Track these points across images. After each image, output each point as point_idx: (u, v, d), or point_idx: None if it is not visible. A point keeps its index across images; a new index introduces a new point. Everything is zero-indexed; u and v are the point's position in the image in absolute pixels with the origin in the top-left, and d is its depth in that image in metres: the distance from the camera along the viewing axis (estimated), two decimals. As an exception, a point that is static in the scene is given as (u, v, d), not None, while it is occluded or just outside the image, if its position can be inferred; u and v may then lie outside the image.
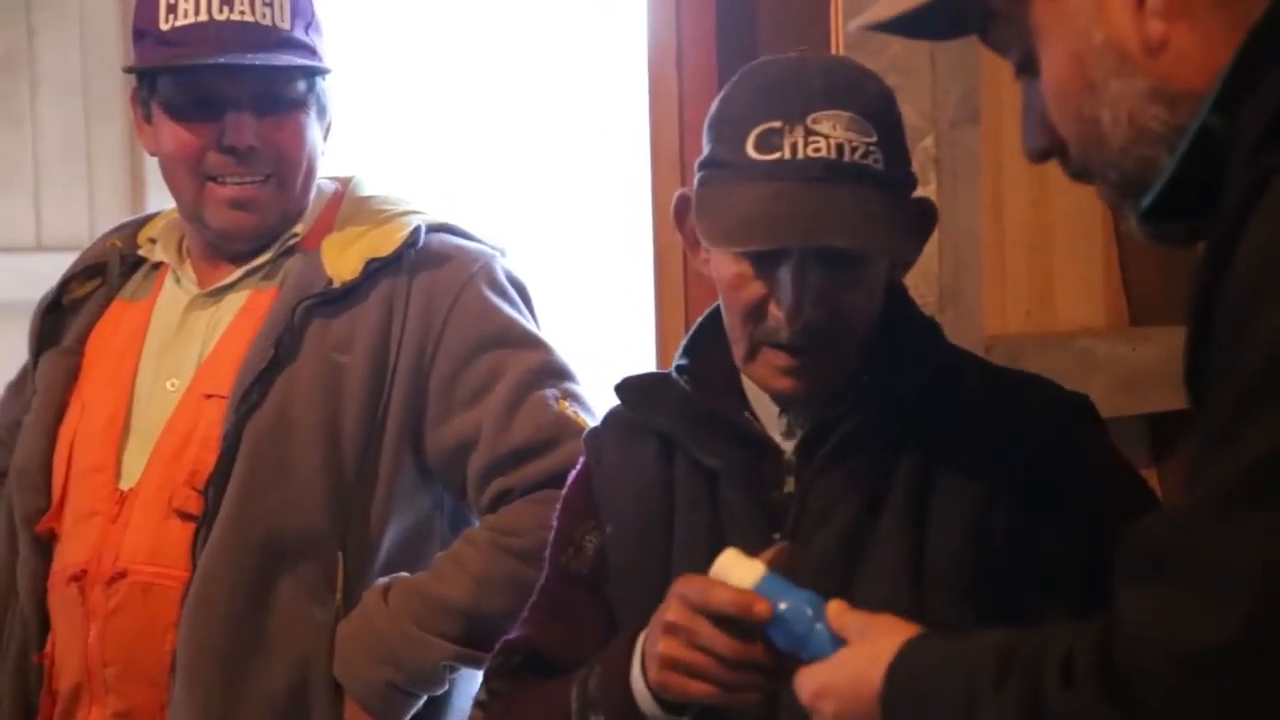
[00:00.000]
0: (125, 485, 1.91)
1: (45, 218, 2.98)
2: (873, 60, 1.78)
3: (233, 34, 1.88)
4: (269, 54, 1.88)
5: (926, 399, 1.50)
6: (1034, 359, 2.04)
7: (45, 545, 1.94)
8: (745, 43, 2.32)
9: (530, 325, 1.96)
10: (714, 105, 1.51)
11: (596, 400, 1.90)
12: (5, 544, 1.98)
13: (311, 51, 1.93)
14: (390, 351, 1.90)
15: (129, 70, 1.99)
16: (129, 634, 1.88)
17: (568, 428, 1.87)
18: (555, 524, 1.64)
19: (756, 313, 1.47)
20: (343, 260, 1.91)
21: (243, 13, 1.89)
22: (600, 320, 2.84)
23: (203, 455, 1.88)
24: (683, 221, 1.54)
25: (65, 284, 2.06)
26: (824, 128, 1.44)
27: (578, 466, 1.64)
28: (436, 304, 1.91)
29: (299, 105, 1.92)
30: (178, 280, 1.99)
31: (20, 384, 2.08)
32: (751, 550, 1.35)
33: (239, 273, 1.96)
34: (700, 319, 1.60)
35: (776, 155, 1.44)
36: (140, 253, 2.03)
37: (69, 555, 1.91)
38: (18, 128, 2.97)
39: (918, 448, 1.49)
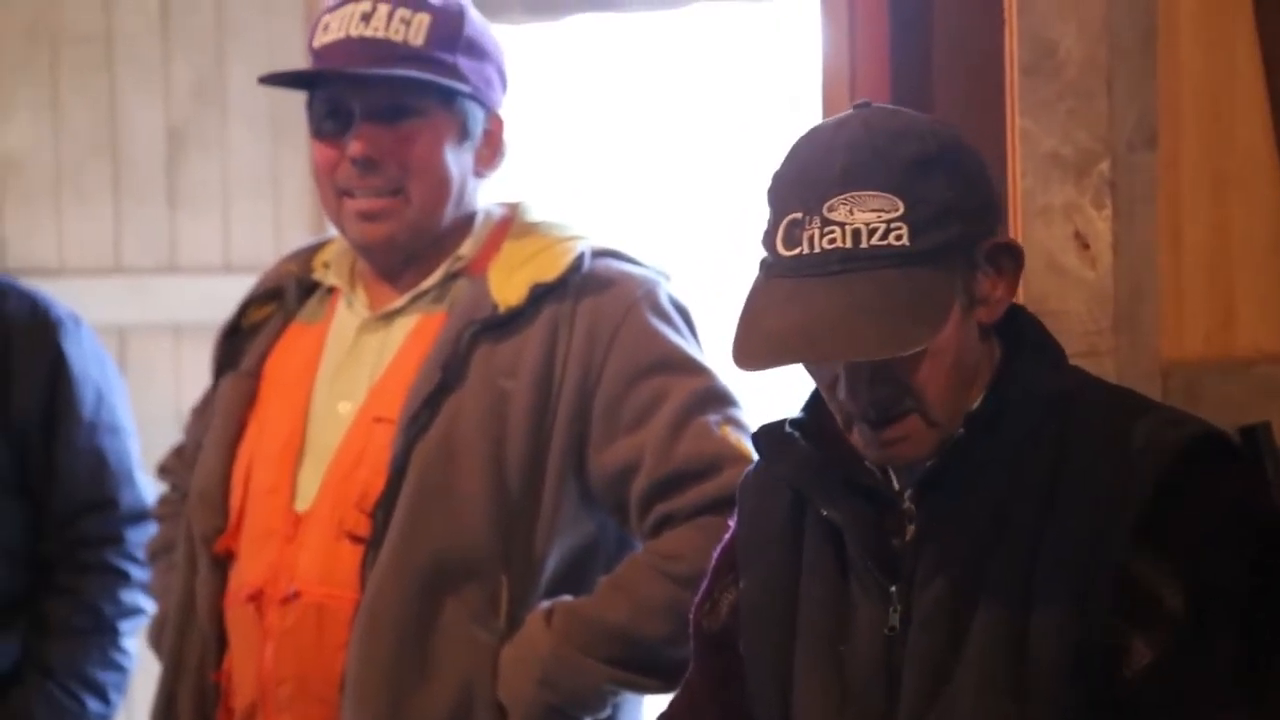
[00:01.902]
0: (300, 507, 1.95)
1: (233, 241, 3.07)
2: (1048, 85, 1.76)
3: (361, 49, 1.92)
4: (389, 67, 1.91)
5: (1040, 435, 1.45)
6: (1212, 386, 1.98)
7: (223, 564, 2.00)
8: (920, 69, 2.30)
9: (694, 351, 1.96)
10: (769, 181, 1.49)
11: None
12: (185, 563, 2.04)
13: (447, 69, 1.94)
14: (555, 376, 1.91)
15: (262, 80, 2.04)
16: (302, 653, 1.92)
17: (730, 454, 1.88)
18: (704, 583, 1.64)
19: (829, 395, 1.45)
20: (509, 286, 1.93)
21: (376, 29, 1.93)
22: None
23: (372, 479, 1.92)
24: None
25: (244, 308, 2.11)
26: (839, 215, 1.39)
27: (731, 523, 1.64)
28: (601, 329, 1.92)
29: (423, 117, 1.94)
30: (350, 304, 2.03)
31: (203, 407, 2.13)
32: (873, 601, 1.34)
33: (407, 297, 1.99)
34: None
35: (797, 251, 1.40)
36: (315, 277, 2.07)
37: (246, 575, 1.96)
38: (208, 153, 3.06)
39: (1029, 489, 1.44)
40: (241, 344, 2.09)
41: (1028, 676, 1.39)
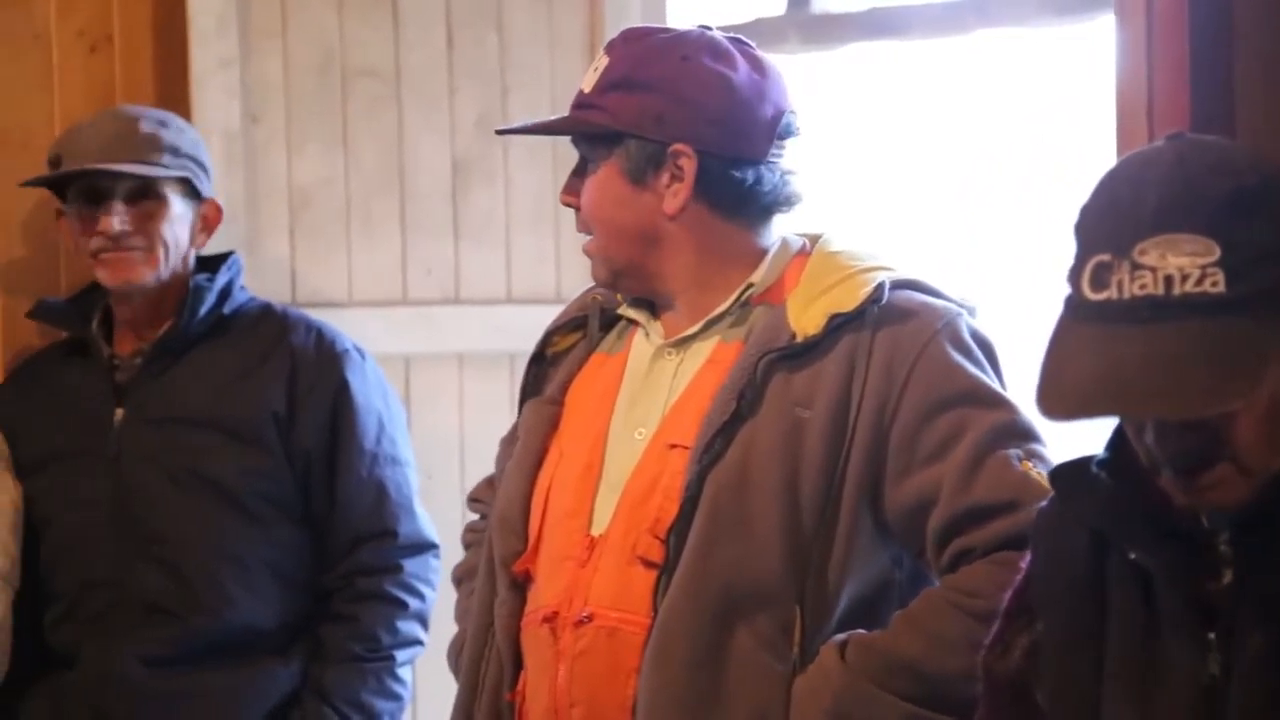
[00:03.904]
0: (596, 531, 1.97)
1: (515, 272, 3.11)
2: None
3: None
4: (562, 116, 2.04)
5: None
6: None
7: (521, 586, 2.02)
8: (1221, 90, 2.23)
9: (995, 385, 1.93)
10: (1077, 216, 1.44)
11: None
12: (485, 584, 2.07)
13: (599, 110, 1.98)
14: (851, 407, 1.90)
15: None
16: (594, 677, 1.93)
17: (1031, 490, 1.83)
18: (995, 625, 1.60)
19: (1137, 439, 1.40)
20: (807, 315, 1.92)
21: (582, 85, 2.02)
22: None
23: (665, 504, 1.93)
24: None
25: (549, 336, 2.14)
26: (1150, 259, 1.34)
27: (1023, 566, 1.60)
28: (899, 360, 1.90)
29: (595, 164, 1.99)
30: (647, 335, 2.05)
31: (511, 436, 2.17)
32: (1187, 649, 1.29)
33: (700, 323, 2.00)
34: None
35: (1105, 295, 1.36)
36: (618, 311, 2.09)
37: (542, 597, 1.99)
38: (492, 185, 3.11)
39: None
40: (545, 371, 2.12)
41: None
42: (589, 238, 2.03)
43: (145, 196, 2.66)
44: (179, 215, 2.69)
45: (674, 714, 1.89)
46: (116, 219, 2.63)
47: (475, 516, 2.29)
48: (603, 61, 2.00)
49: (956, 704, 1.81)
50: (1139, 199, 1.37)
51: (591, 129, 1.99)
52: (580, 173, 2.02)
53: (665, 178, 1.97)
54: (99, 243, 2.64)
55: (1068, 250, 1.45)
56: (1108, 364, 1.34)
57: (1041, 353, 1.41)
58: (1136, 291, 1.35)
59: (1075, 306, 1.39)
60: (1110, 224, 1.38)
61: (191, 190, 2.71)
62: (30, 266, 2.93)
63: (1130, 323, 1.34)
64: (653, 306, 2.05)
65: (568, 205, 2.04)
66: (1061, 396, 1.37)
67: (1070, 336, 1.39)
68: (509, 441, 2.17)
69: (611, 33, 2.90)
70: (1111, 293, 1.36)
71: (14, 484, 2.66)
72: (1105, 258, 1.37)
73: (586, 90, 2.00)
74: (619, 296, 2.08)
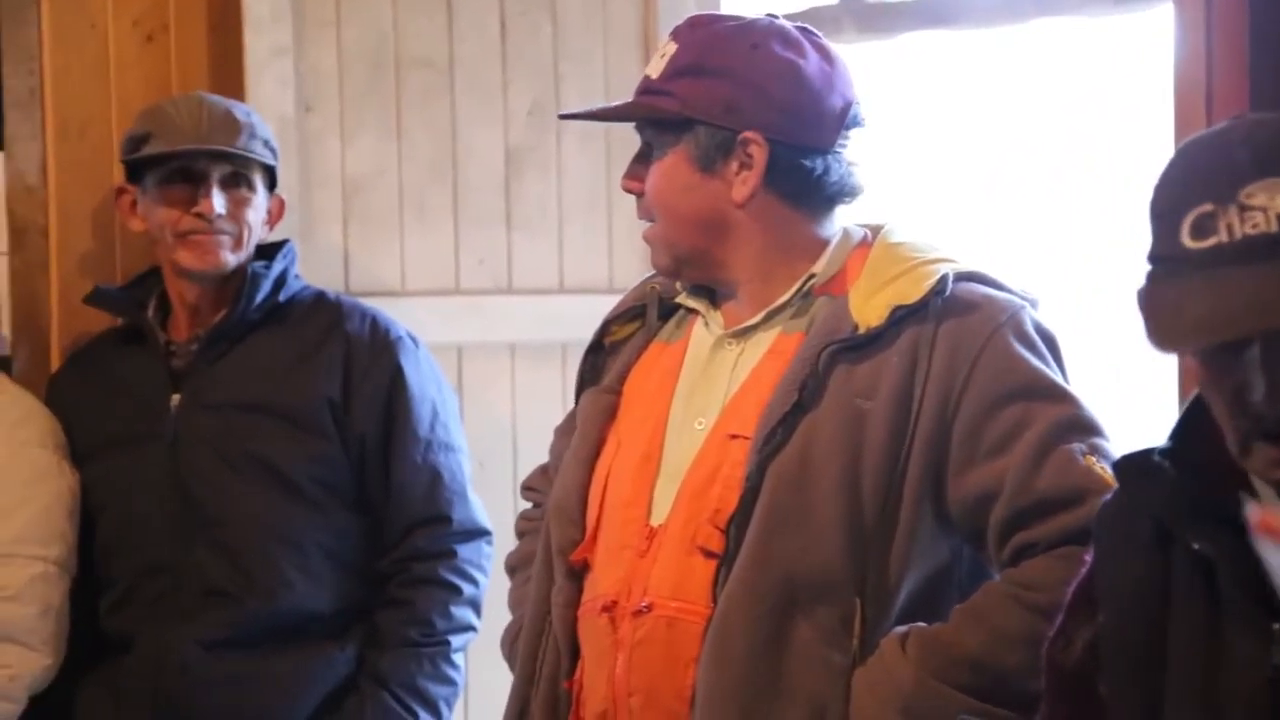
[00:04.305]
0: (655, 521, 1.96)
1: (567, 261, 3.11)
2: None
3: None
4: (627, 101, 2.02)
5: None
6: None
7: (578, 575, 2.02)
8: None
9: (1059, 378, 1.91)
10: (1151, 195, 1.45)
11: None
12: (542, 573, 2.07)
13: (667, 96, 1.97)
14: (914, 399, 1.89)
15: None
16: (653, 666, 1.93)
17: (1094, 484, 1.82)
18: (1059, 618, 1.59)
19: (1235, 405, 1.40)
20: (869, 307, 1.92)
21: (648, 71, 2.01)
22: (1124, 373, 2.76)
23: (725, 494, 1.92)
24: None
25: (607, 325, 2.15)
26: (1260, 200, 1.36)
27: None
28: (962, 353, 1.89)
29: (653, 150, 1.99)
30: (706, 324, 2.05)
31: (567, 425, 2.18)
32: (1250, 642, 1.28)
33: (762, 314, 2.00)
34: (1192, 396, 1.53)
35: (1214, 240, 1.37)
36: (677, 299, 2.09)
37: (600, 586, 1.99)
38: (545, 174, 3.11)
39: None
40: (603, 361, 2.13)
41: None
42: (647, 225, 2.02)
43: (238, 183, 2.68)
44: (261, 203, 2.72)
45: (732, 704, 1.88)
46: (218, 201, 2.64)
47: (528, 505, 2.30)
48: (670, 48, 1.99)
49: (1018, 698, 1.81)
50: (1230, 156, 1.40)
51: (661, 115, 1.98)
52: (643, 159, 2.01)
53: (734, 165, 1.96)
54: (190, 224, 2.65)
55: (1142, 234, 1.47)
56: (1232, 296, 1.35)
57: (1140, 310, 1.43)
58: (1249, 231, 1.37)
59: (1173, 261, 1.40)
60: (1203, 181, 1.40)
61: (271, 180, 2.74)
62: (87, 253, 2.95)
63: (1244, 263, 1.36)
64: (713, 295, 2.04)
65: (630, 191, 2.03)
66: (1183, 328, 1.38)
67: (1171, 290, 1.40)
68: (564, 431, 2.17)
69: (666, 22, 2.92)
70: (1220, 237, 1.37)
71: (71, 470, 2.68)
72: (1207, 208, 1.39)
73: (654, 76, 1.99)
74: (678, 285, 2.08)
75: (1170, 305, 1.39)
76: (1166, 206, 1.43)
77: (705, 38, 1.98)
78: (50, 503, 2.63)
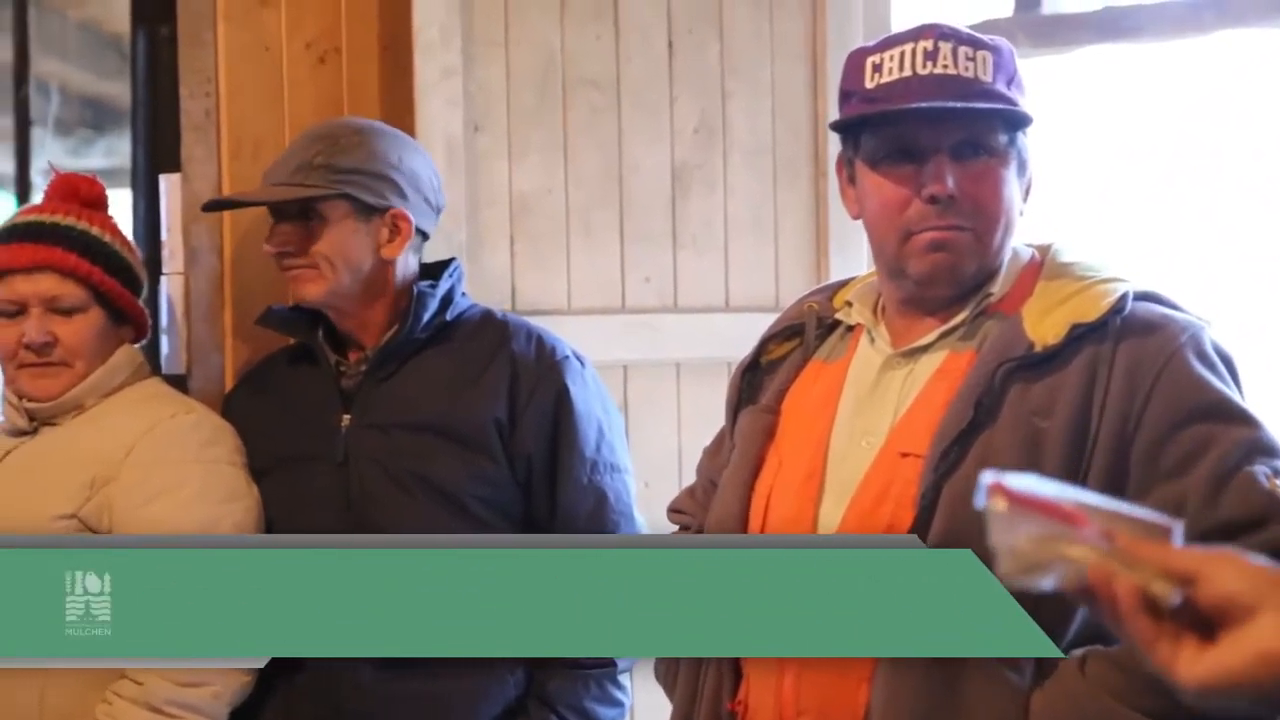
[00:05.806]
0: (822, 540, 1.94)
1: (733, 279, 3.09)
2: None
3: (935, 85, 1.92)
4: (969, 102, 1.91)
5: None
6: None
7: (743, 595, 2.00)
8: None
9: (1239, 399, 1.87)
10: None
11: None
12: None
13: (1013, 104, 1.94)
14: (1092, 418, 1.85)
15: (834, 127, 2.04)
16: (823, 685, 1.91)
17: (1278, 507, 1.77)
18: None
19: None
20: (1045, 325, 1.88)
21: (945, 67, 1.92)
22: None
23: (899, 513, 1.90)
24: None
25: (764, 344, 2.13)
26: None
27: None
28: (1142, 372, 1.85)
29: (999, 156, 1.93)
30: (872, 341, 2.03)
31: (717, 446, 2.16)
32: None
33: (934, 334, 1.97)
34: None
35: None
36: (837, 315, 2.07)
37: (767, 606, 1.96)
38: (711, 192, 3.10)
39: None
40: (760, 380, 2.11)
41: None
42: (947, 230, 1.93)
43: (306, 216, 2.68)
44: (347, 231, 2.68)
45: (908, 724, 1.85)
46: (274, 241, 2.68)
47: (675, 528, 2.28)
48: (983, 54, 1.95)
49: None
50: None
51: (1016, 114, 1.95)
52: (959, 158, 1.94)
53: (1025, 177, 1.99)
54: (280, 261, 2.70)
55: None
56: None
57: None
58: None
59: None
60: None
61: (362, 205, 2.68)
62: (259, 273, 2.99)
63: None
64: (877, 314, 2.02)
65: (941, 194, 1.92)
66: None
67: None
68: (714, 451, 2.16)
69: (834, 37, 2.89)
70: None
71: (251, 485, 2.71)
72: None
73: (985, 79, 1.94)
74: (843, 303, 2.05)
75: None
76: None
77: (1009, 49, 1.98)
78: (242, 519, 2.66)
